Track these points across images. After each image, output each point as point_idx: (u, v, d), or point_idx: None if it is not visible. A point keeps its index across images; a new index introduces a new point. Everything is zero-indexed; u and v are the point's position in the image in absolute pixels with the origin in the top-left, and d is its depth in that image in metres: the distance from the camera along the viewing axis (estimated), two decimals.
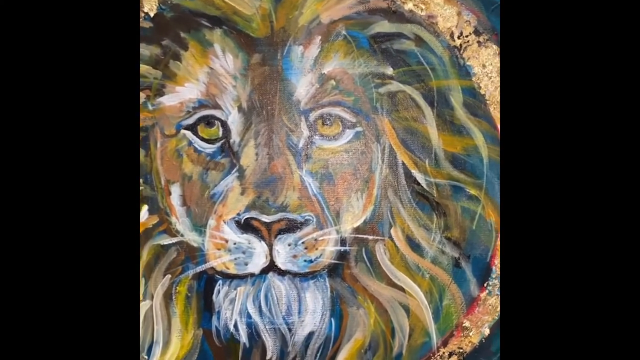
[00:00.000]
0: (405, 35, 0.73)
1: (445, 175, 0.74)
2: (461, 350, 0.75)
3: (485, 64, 0.73)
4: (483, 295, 0.75)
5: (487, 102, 0.73)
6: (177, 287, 0.75)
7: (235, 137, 0.73)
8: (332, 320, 0.75)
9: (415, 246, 0.74)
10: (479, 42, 0.74)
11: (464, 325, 0.75)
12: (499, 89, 0.73)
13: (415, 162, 0.74)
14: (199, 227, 0.74)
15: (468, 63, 0.74)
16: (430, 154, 0.74)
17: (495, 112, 0.73)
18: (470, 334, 0.75)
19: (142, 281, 0.74)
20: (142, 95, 0.74)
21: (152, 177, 0.74)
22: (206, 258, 0.74)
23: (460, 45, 0.74)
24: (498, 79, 0.73)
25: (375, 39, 0.73)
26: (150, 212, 0.74)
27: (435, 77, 0.73)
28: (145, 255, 0.74)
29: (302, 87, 0.73)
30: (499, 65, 0.73)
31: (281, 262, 0.72)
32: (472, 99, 0.73)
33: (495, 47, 0.73)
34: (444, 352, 0.75)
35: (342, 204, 0.74)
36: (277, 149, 0.73)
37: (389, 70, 0.73)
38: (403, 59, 0.73)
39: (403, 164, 0.74)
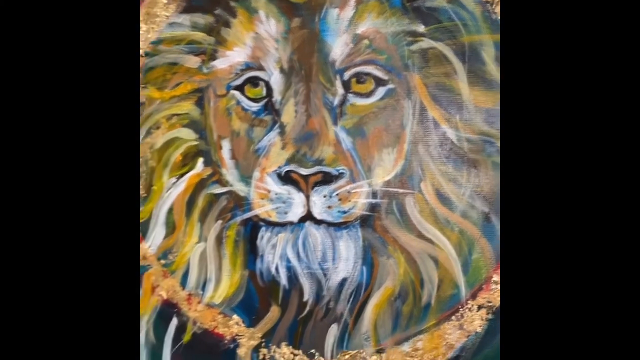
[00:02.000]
0: None
1: (476, 131, 0.75)
2: (490, 304, 0.76)
3: None
4: None
5: None
6: (227, 232, 0.83)
7: (277, 96, 0.79)
8: (364, 268, 0.79)
9: (444, 200, 0.76)
10: None
11: (493, 279, 0.75)
12: None
13: (446, 118, 0.75)
14: (246, 178, 0.81)
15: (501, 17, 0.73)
16: (461, 110, 0.75)
17: None
18: (499, 287, 0.75)
19: (197, 225, 0.84)
20: (198, 60, 0.83)
21: (207, 133, 0.83)
22: (251, 206, 0.81)
23: None
24: None
25: None
26: (205, 164, 0.83)
27: (467, 32, 0.74)
28: (200, 203, 0.84)
29: (338, 47, 0.77)
30: None
31: (317, 212, 0.78)
32: None
33: None
34: (472, 305, 0.76)
35: (374, 159, 0.78)
36: (314, 106, 0.78)
37: (421, 28, 0.75)
38: (434, 16, 0.75)
39: (433, 119, 0.76)
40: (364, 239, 0.79)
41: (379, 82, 0.77)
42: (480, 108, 0.74)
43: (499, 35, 0.73)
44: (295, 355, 0.81)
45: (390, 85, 0.77)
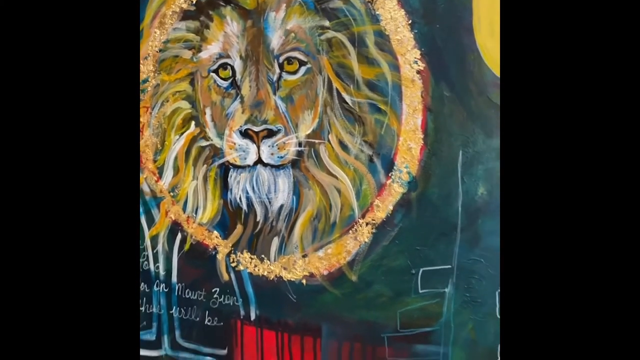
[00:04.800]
0: None
1: (364, 96, 1.03)
2: (374, 222, 1.03)
3: (390, 12, 0.99)
4: (388, 182, 1.02)
5: (390, 40, 0.99)
6: (209, 173, 1.18)
7: (238, 76, 1.13)
8: (294, 197, 1.10)
9: (344, 147, 1.05)
10: None
11: (375, 204, 1.03)
12: (398, 29, 0.98)
13: (345, 87, 1.04)
14: (221, 134, 1.15)
15: (378, 12, 1.00)
16: (353, 81, 1.03)
17: (396, 47, 0.98)
18: (379, 209, 1.03)
19: (192, 168, 1.20)
20: (190, 53, 1.18)
21: (196, 103, 1.19)
22: (224, 155, 1.16)
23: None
24: (400, 21, 0.98)
25: (318, 2, 1.05)
26: (196, 125, 1.18)
27: (356, 25, 1.02)
28: (193, 152, 1.19)
29: (275, 39, 1.09)
30: (401, 12, 0.98)
31: (264, 158, 1.10)
32: (380, 39, 1.01)
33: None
34: (362, 222, 1.04)
35: (299, 118, 1.09)
36: (261, 82, 1.10)
37: (327, 23, 1.05)
38: (335, 14, 1.04)
39: (337, 89, 1.05)
40: (294, 177, 1.10)
41: (301, 63, 1.08)
42: (365, 79, 1.02)
43: (377, 25, 1.00)
44: (252, 259, 1.15)
45: (309, 65, 1.07)
